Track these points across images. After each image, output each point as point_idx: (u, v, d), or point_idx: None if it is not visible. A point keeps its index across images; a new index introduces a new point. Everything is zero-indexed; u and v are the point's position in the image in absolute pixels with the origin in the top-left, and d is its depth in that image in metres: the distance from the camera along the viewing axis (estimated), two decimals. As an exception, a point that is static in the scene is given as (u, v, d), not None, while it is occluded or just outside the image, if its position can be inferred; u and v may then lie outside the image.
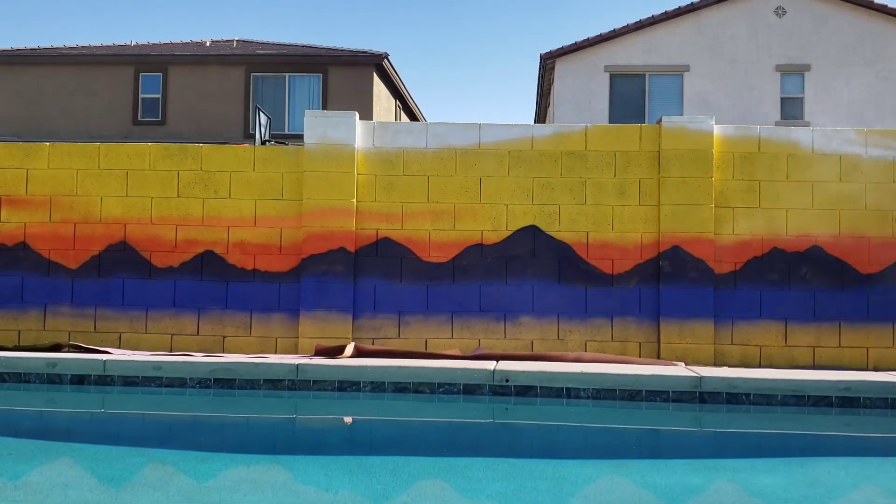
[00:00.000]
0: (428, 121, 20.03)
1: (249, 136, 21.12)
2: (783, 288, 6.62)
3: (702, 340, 6.53)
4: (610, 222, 6.68)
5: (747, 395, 5.35)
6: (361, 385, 5.58)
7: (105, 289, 6.85)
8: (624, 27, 21.20)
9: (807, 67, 20.84)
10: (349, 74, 22.44)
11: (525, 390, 5.44)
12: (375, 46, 39.24)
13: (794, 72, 20.89)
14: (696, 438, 4.88)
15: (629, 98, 21.13)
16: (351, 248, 6.70)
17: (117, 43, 24.19)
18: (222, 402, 5.55)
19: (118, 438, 4.42)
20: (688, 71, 21.07)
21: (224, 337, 6.79)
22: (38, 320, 6.87)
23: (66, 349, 6.41)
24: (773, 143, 6.70)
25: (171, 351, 6.68)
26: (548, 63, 21.74)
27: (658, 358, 6.53)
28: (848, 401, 5.29)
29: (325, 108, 21.62)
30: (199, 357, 6.07)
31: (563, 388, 5.43)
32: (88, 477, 3.49)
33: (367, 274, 6.74)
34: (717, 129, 6.71)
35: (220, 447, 4.22)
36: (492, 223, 6.73)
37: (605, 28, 35.24)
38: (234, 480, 3.44)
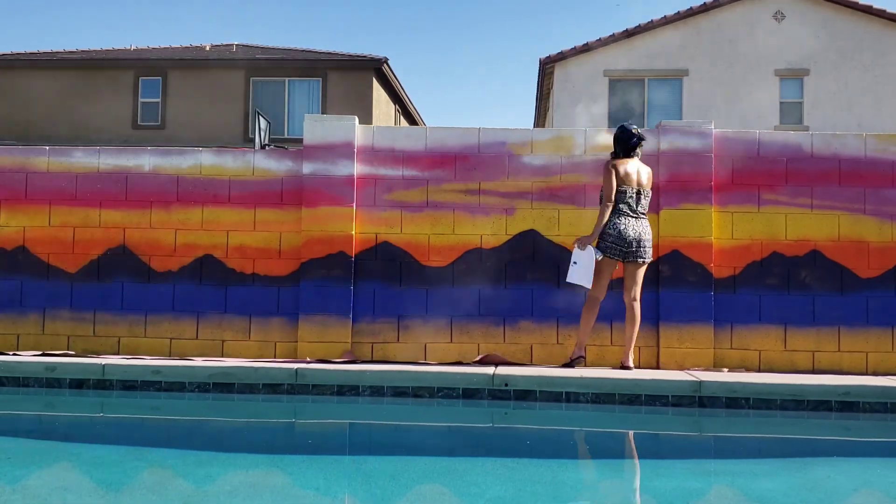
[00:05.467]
0: (427, 125, 20.05)
1: (249, 141, 21.14)
2: (782, 292, 6.63)
3: (701, 345, 6.53)
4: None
5: (747, 399, 5.34)
6: (361, 389, 5.58)
7: (104, 293, 6.85)
8: (623, 32, 21.24)
9: (806, 72, 20.88)
10: (349, 79, 22.47)
11: (524, 394, 5.44)
12: (375, 51, 39.27)
13: (793, 76, 20.93)
14: (695, 443, 4.88)
15: (628, 102, 21.15)
16: (350, 253, 6.71)
17: (117, 47, 24.22)
18: (221, 407, 5.55)
19: (117, 442, 4.41)
20: (687, 75, 21.10)
21: (223, 341, 6.79)
22: (37, 324, 6.86)
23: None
24: (772, 147, 6.70)
25: (170, 355, 6.68)
26: (547, 68, 21.77)
27: (657, 362, 6.52)
28: (847, 405, 5.29)
29: (324, 112, 21.65)
30: (198, 361, 6.07)
31: (562, 393, 5.43)
32: (87, 481, 3.48)
33: (366, 278, 6.74)
34: (717, 133, 6.71)
35: (219, 451, 4.22)
36: (491, 228, 6.73)
37: (605, 33, 35.28)
38: (232, 484, 3.44)
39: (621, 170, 6.09)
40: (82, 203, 6.91)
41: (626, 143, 6.17)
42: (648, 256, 6.14)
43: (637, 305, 6.12)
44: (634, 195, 6.09)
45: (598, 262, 6.03)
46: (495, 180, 6.74)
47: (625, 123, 6.28)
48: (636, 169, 6.14)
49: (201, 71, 22.39)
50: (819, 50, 20.65)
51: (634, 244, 6.04)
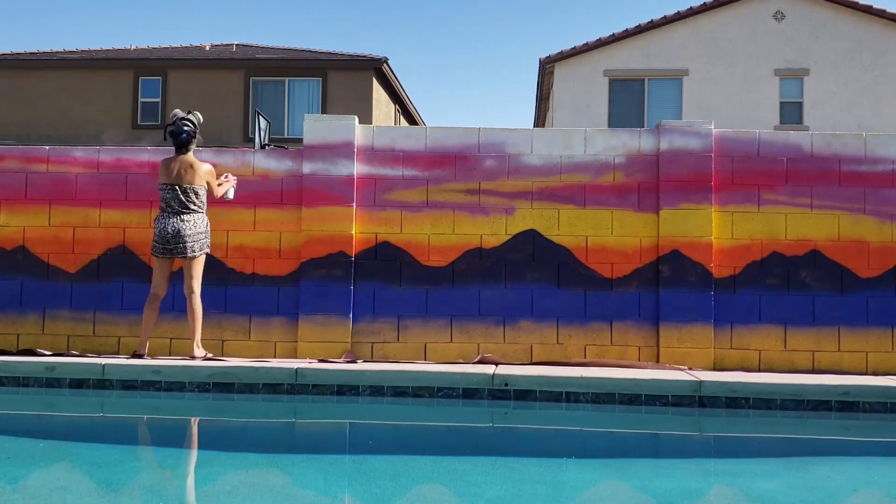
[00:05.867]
0: (427, 125, 20.05)
1: (249, 141, 21.15)
2: (782, 292, 6.63)
3: (701, 345, 6.53)
4: (609, 226, 6.68)
5: (747, 399, 5.34)
6: (361, 389, 5.58)
7: (104, 293, 6.85)
8: (623, 32, 21.24)
9: (806, 72, 20.88)
10: (349, 79, 22.46)
11: (524, 394, 5.44)
12: (375, 51, 39.29)
13: (793, 76, 20.93)
14: (695, 442, 4.88)
15: (628, 102, 21.15)
16: (350, 253, 6.71)
17: (117, 47, 24.22)
18: (221, 406, 5.55)
19: (117, 442, 4.41)
20: (687, 75, 21.10)
21: (223, 341, 6.79)
22: (37, 324, 6.86)
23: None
24: (772, 147, 6.70)
25: (170, 355, 6.68)
26: (547, 67, 21.77)
27: (657, 362, 6.53)
28: (847, 405, 5.29)
29: (324, 112, 21.64)
30: (198, 361, 6.07)
31: (562, 392, 5.43)
32: (87, 481, 3.48)
33: (366, 278, 6.74)
34: (717, 133, 6.71)
35: (219, 451, 4.22)
36: (491, 227, 6.73)
37: (605, 33, 35.29)
38: (232, 484, 3.44)
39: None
40: (82, 203, 6.91)
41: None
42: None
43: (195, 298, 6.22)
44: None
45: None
46: (495, 180, 6.74)
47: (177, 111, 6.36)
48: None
49: (201, 71, 22.39)
50: (819, 50, 20.65)
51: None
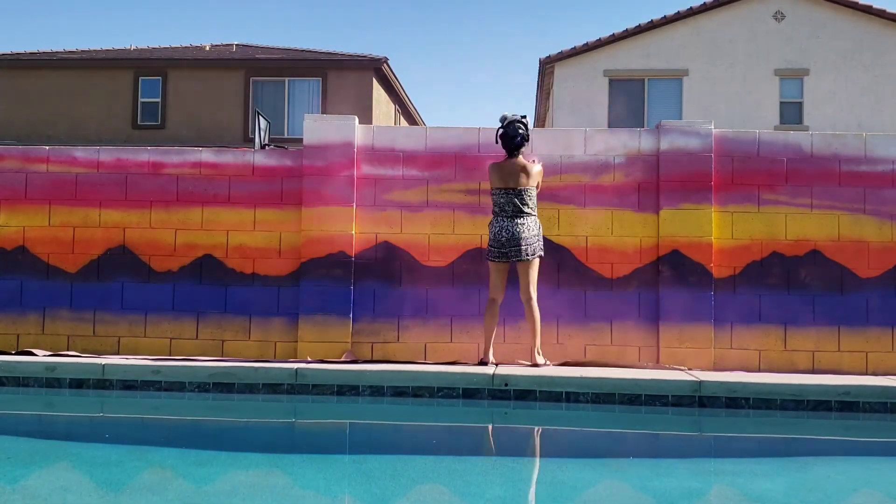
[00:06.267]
0: (427, 125, 20.05)
1: (249, 141, 21.14)
2: (782, 292, 6.62)
3: (701, 345, 6.53)
4: (609, 226, 6.68)
5: (747, 399, 5.34)
6: (360, 389, 5.58)
7: (104, 293, 6.85)
8: (623, 32, 21.23)
9: (806, 72, 20.88)
10: (349, 78, 22.46)
11: (524, 394, 5.44)
12: (375, 50, 39.29)
13: (793, 76, 20.93)
14: (695, 442, 4.88)
15: (628, 102, 21.15)
16: (350, 253, 6.71)
17: (117, 47, 24.22)
18: (221, 406, 5.55)
19: (117, 442, 4.41)
20: (687, 75, 21.10)
21: (223, 341, 6.79)
22: (37, 324, 6.86)
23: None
24: (772, 147, 6.70)
25: (170, 355, 6.68)
26: (547, 67, 21.77)
27: (657, 362, 6.53)
28: (847, 405, 5.29)
29: (324, 112, 21.64)
30: (198, 361, 6.07)
31: (562, 393, 5.43)
32: (87, 481, 3.48)
33: (366, 278, 6.74)
34: (717, 133, 6.71)
35: (219, 451, 4.22)
36: (491, 227, 6.72)
37: (605, 33, 35.29)
38: (232, 484, 3.44)
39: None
40: (82, 203, 6.91)
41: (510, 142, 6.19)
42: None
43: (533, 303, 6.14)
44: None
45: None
46: (495, 180, 6.73)
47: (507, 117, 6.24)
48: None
49: (201, 71, 22.39)
50: (819, 50, 20.65)
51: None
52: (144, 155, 6.97)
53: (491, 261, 6.19)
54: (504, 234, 6.08)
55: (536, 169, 6.26)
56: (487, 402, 5.43)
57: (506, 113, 6.29)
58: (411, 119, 27.94)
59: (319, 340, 6.64)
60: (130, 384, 5.68)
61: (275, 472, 3.70)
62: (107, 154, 6.98)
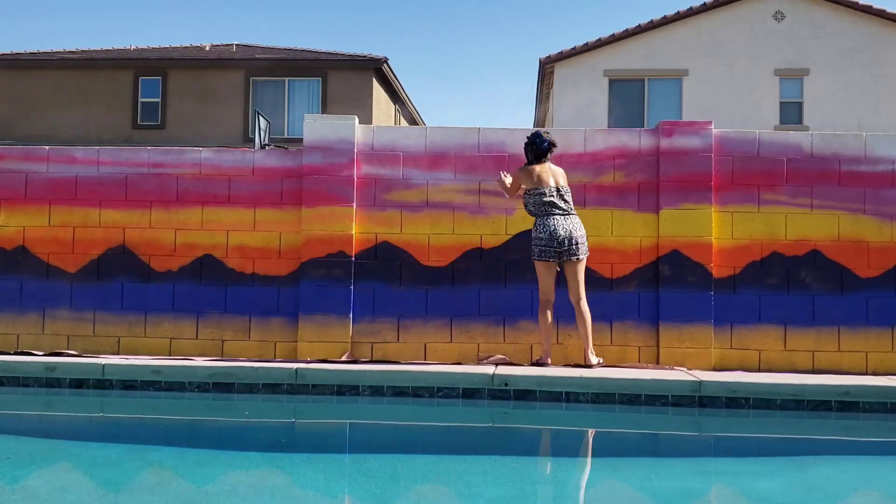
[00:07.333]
0: (427, 125, 20.05)
1: (249, 141, 21.14)
2: (782, 292, 6.62)
3: (701, 345, 6.53)
4: (609, 226, 6.68)
5: (746, 399, 5.35)
6: (360, 389, 5.59)
7: (104, 293, 6.85)
8: (623, 32, 21.23)
9: (805, 72, 20.88)
10: (349, 79, 22.46)
11: (524, 394, 5.44)
12: (375, 51, 39.27)
13: (792, 76, 20.93)
14: (695, 442, 4.88)
15: (628, 102, 21.15)
16: (350, 253, 6.71)
17: (117, 47, 24.21)
18: (221, 406, 5.55)
19: (117, 442, 4.42)
20: (687, 75, 21.10)
21: (223, 341, 6.79)
22: (37, 324, 6.86)
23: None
24: (772, 147, 6.70)
25: (170, 355, 6.68)
26: (547, 67, 21.76)
27: (657, 362, 6.53)
28: (847, 405, 5.29)
29: (324, 112, 21.64)
30: (198, 361, 6.07)
31: (562, 393, 5.43)
32: (87, 481, 3.48)
33: (366, 278, 6.74)
34: (717, 133, 6.71)
35: (219, 451, 4.22)
36: (491, 227, 6.73)
37: (605, 33, 35.27)
38: (232, 484, 3.44)
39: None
40: (82, 203, 6.91)
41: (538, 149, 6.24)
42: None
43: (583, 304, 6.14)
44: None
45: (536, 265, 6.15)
46: (495, 180, 6.73)
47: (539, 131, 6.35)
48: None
49: (201, 71, 22.38)
50: (819, 50, 20.65)
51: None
52: (144, 155, 6.97)
53: (543, 261, 6.14)
54: (562, 231, 6.05)
55: (562, 171, 6.31)
56: (487, 402, 5.43)
57: (537, 129, 6.42)
58: (411, 119, 27.94)
59: (319, 340, 6.64)
60: (130, 384, 5.68)
61: (275, 472, 3.70)
62: (107, 154, 6.98)
